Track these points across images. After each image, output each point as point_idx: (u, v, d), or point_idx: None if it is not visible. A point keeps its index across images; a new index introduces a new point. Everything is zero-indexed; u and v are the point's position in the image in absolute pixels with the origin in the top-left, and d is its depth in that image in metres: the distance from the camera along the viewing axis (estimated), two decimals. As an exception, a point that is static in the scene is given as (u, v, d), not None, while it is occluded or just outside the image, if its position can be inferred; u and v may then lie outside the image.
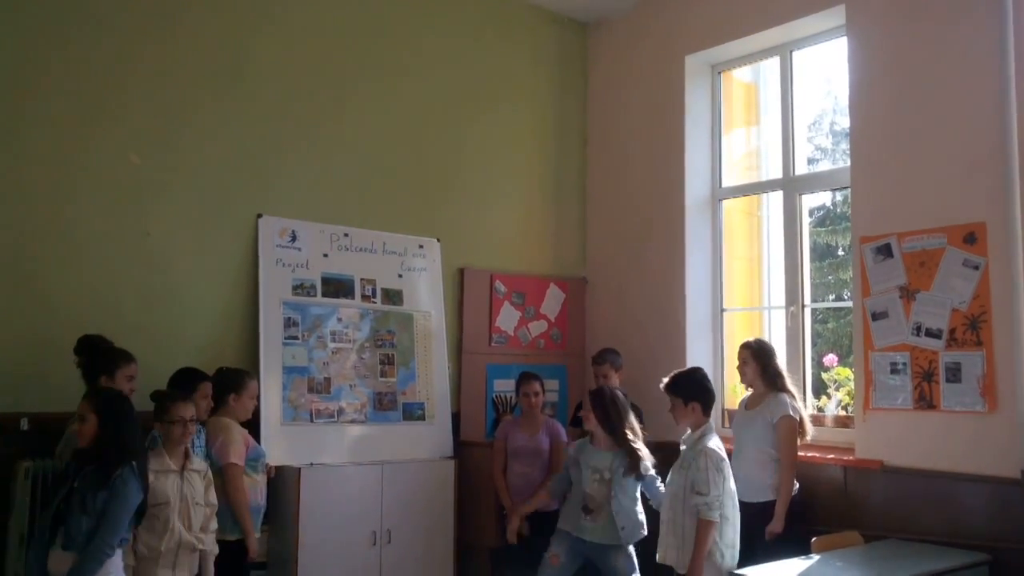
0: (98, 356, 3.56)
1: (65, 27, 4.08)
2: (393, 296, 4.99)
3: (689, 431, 3.75)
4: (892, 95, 4.33)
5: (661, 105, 5.52)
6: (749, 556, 3.67)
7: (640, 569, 4.11)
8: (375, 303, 4.91)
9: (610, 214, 5.84)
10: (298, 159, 4.76)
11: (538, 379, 4.73)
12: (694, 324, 5.28)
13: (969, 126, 4.03)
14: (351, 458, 4.56)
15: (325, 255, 4.79)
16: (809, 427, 4.26)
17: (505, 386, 5.43)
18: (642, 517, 4.09)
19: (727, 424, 5.04)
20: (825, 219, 6.23)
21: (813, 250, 5.33)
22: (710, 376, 4.00)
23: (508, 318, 5.54)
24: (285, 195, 4.70)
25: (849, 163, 4.54)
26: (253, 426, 4.22)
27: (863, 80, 4.47)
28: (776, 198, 5.21)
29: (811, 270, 5.11)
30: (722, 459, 3.58)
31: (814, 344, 5.02)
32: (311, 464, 4.35)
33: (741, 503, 3.69)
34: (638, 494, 4.10)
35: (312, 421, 4.51)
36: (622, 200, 5.75)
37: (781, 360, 4.45)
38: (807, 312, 4.93)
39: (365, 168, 5.02)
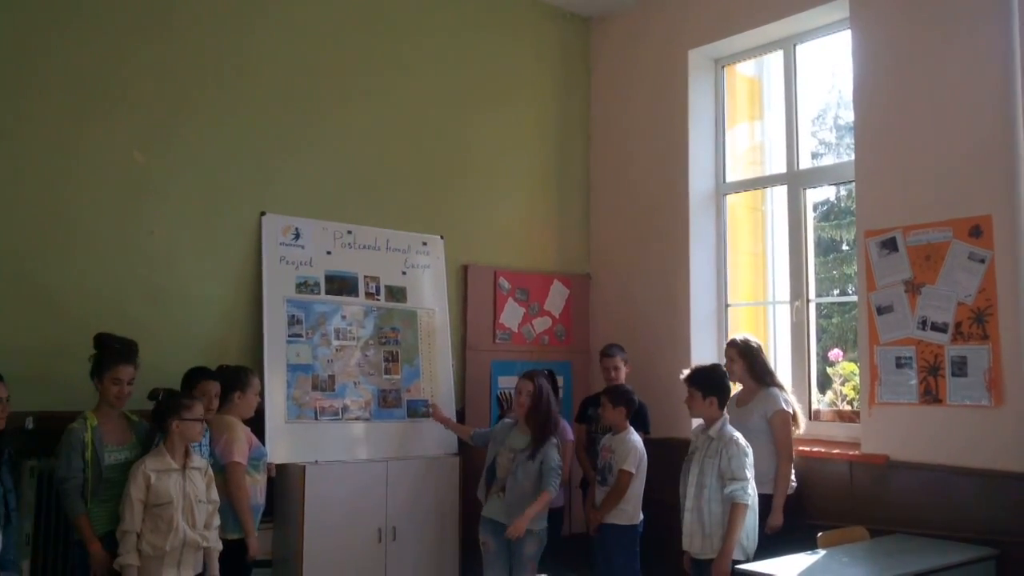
0: (96, 356, 3.57)
1: (65, 24, 4.07)
2: (397, 293, 4.99)
3: (702, 424, 3.85)
4: (896, 88, 4.31)
5: (664, 100, 5.51)
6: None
7: (656, 558, 4.14)
8: (379, 300, 4.91)
9: (614, 210, 5.83)
10: (301, 157, 4.75)
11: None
12: (698, 319, 5.27)
13: (974, 118, 4.01)
14: (355, 455, 4.57)
15: (329, 252, 4.79)
16: (802, 420, 4.32)
17: (509, 383, 5.40)
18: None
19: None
20: (829, 213, 6.20)
21: (817, 244, 5.31)
22: (715, 372, 4.01)
23: (512, 315, 5.54)
24: (288, 193, 4.70)
25: (853, 157, 4.52)
26: (257, 424, 4.22)
27: (867, 73, 4.45)
28: (780, 192, 5.20)
29: (815, 264, 5.10)
30: (748, 445, 3.72)
31: (819, 339, 5.01)
32: (316, 462, 4.36)
33: None
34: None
35: (316, 419, 4.51)
36: (626, 195, 5.74)
37: (771, 355, 4.47)
38: (812, 307, 4.92)
39: (368, 165, 5.02)
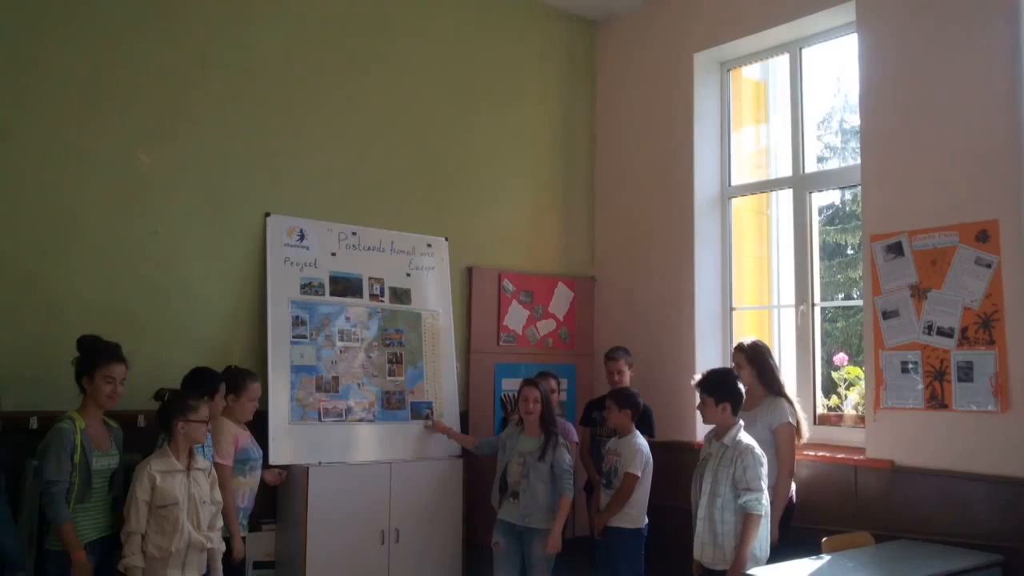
0: (82, 357, 3.49)
1: (69, 25, 4.07)
2: (401, 295, 4.99)
3: (713, 430, 3.80)
4: (903, 92, 4.30)
5: (669, 103, 5.50)
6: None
7: (661, 562, 4.14)
8: (383, 302, 4.91)
9: (619, 212, 5.82)
10: (306, 158, 4.75)
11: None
12: (703, 323, 5.26)
13: (981, 123, 4.00)
14: (359, 457, 4.56)
15: (333, 254, 4.78)
16: (805, 430, 4.27)
17: (513, 385, 5.40)
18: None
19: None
20: (835, 217, 6.21)
21: (823, 248, 5.31)
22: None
23: (516, 317, 5.53)
24: (293, 194, 4.70)
25: (859, 161, 4.51)
26: (260, 425, 4.22)
27: (873, 77, 4.44)
28: (785, 196, 5.19)
29: (821, 269, 5.08)
30: (764, 455, 3.67)
31: (824, 343, 5.00)
32: (319, 463, 4.35)
33: None
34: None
35: (320, 420, 4.51)
36: (631, 198, 5.74)
37: (778, 358, 4.43)
38: (817, 311, 4.91)
39: (373, 167, 5.01)
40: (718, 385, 3.78)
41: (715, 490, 3.64)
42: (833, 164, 5.46)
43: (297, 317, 4.57)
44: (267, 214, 4.60)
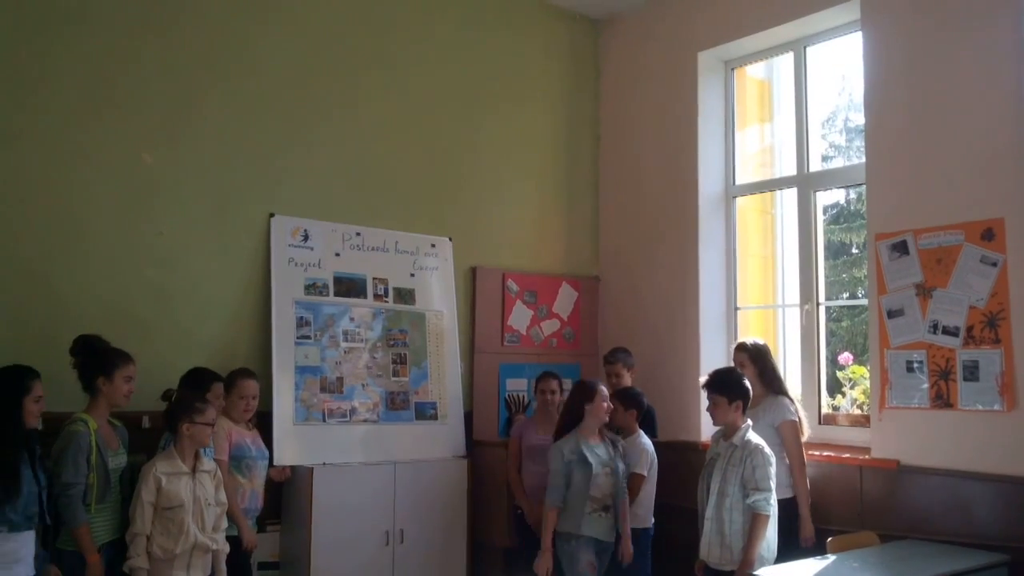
0: (95, 357, 3.51)
1: (73, 26, 4.08)
2: (405, 295, 4.99)
3: (720, 430, 3.79)
4: (907, 90, 4.28)
5: (674, 102, 5.49)
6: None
7: (666, 561, 4.14)
8: (387, 302, 4.91)
9: (623, 212, 5.82)
10: (310, 158, 4.76)
11: (556, 378, 4.70)
12: (708, 322, 5.25)
13: (986, 121, 3.98)
14: (364, 458, 4.56)
15: (337, 254, 4.79)
16: (807, 428, 4.27)
17: (517, 385, 5.42)
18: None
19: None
20: (840, 216, 6.18)
21: (827, 247, 5.29)
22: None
23: (520, 317, 5.53)
24: (297, 194, 4.70)
25: (864, 160, 4.49)
26: (265, 426, 4.22)
27: (878, 76, 4.42)
28: (790, 195, 5.18)
29: (826, 268, 5.07)
30: (772, 455, 3.66)
31: (828, 342, 4.99)
32: (324, 464, 4.35)
33: None
34: None
35: (325, 421, 4.51)
36: (635, 198, 5.73)
37: (781, 358, 4.44)
38: (822, 310, 4.89)
39: (377, 167, 5.02)
40: (731, 384, 3.77)
41: (723, 490, 3.63)
42: (838, 163, 5.45)
43: (301, 318, 4.57)
44: (271, 215, 4.61)
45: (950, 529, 3.90)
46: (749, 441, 3.66)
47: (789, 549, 3.81)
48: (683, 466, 4.71)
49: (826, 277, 5.08)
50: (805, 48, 5.08)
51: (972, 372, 3.96)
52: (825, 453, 4.41)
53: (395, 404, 4.79)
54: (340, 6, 4.94)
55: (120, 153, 4.18)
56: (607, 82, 6.02)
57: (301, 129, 4.73)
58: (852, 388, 4.71)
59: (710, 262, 5.31)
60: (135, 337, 3.84)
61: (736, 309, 5.34)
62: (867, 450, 4.32)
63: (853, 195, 5.77)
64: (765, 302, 5.43)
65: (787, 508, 4.01)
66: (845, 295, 5.67)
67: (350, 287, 4.80)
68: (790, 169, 5.17)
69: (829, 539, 3.80)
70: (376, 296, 4.88)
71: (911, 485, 4.09)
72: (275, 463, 4.24)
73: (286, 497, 4.41)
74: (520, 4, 5.72)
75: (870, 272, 4.39)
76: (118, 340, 3.64)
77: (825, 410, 4.80)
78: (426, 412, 4.89)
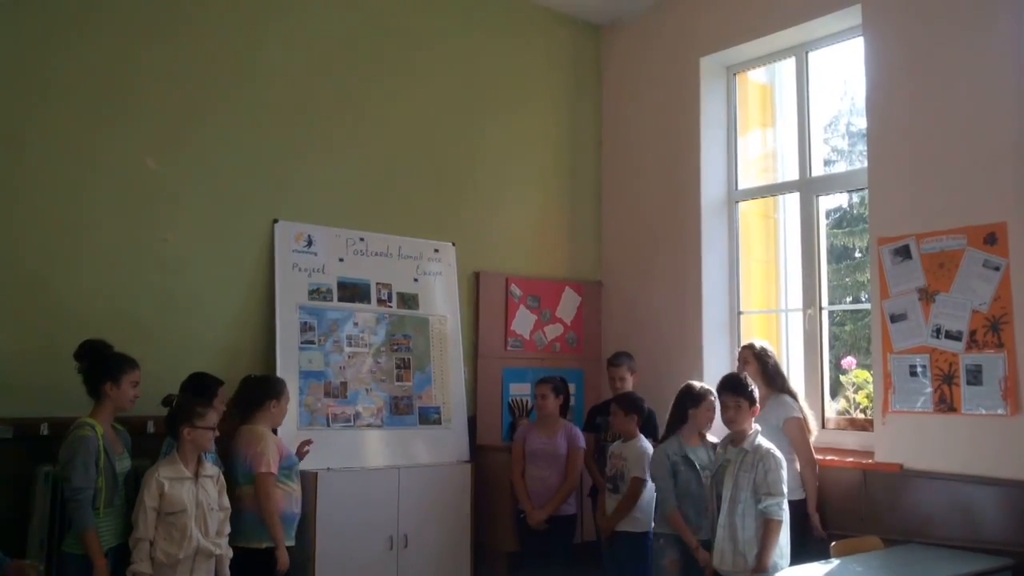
0: (102, 362, 3.51)
1: (78, 32, 4.11)
2: (409, 300, 5.00)
3: (728, 435, 3.77)
4: (909, 95, 4.29)
5: (676, 107, 5.50)
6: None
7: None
8: (391, 307, 4.92)
9: (625, 217, 5.83)
10: (314, 164, 4.78)
11: (549, 383, 4.66)
12: (710, 327, 5.25)
13: (988, 125, 3.99)
14: (368, 462, 4.56)
15: (341, 260, 4.80)
16: (814, 426, 4.29)
17: (521, 390, 5.43)
18: None
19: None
20: (842, 220, 6.18)
21: (830, 252, 5.29)
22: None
23: (524, 322, 5.54)
24: (301, 200, 4.72)
25: (866, 164, 4.50)
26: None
27: (880, 80, 4.43)
28: (793, 200, 5.18)
29: (828, 272, 5.07)
30: (783, 458, 3.65)
31: (832, 347, 4.99)
32: (328, 469, 4.36)
33: None
34: None
35: (329, 426, 4.52)
36: (637, 203, 5.74)
37: (784, 362, 4.46)
38: (824, 314, 4.90)
39: (380, 173, 5.03)
40: (749, 389, 3.77)
41: (735, 496, 3.59)
42: (840, 167, 5.45)
43: (305, 323, 4.59)
44: (275, 220, 4.62)
45: (954, 533, 3.90)
46: (760, 446, 3.64)
47: (803, 550, 3.80)
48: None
49: (829, 281, 5.08)
50: (807, 53, 5.09)
51: (975, 376, 3.96)
52: (829, 457, 4.41)
53: (399, 409, 4.80)
54: (345, 14, 4.96)
55: (125, 159, 4.20)
56: (609, 87, 6.04)
57: (305, 135, 4.75)
58: (855, 392, 4.71)
59: (713, 267, 5.32)
60: (140, 342, 3.85)
61: (739, 313, 5.35)
62: (870, 454, 4.32)
63: (856, 199, 5.77)
64: (768, 306, 5.44)
65: (799, 509, 4.02)
66: (848, 299, 5.67)
67: (354, 292, 4.81)
68: (792, 174, 5.18)
69: (833, 543, 3.79)
70: (380, 301, 4.89)
71: (914, 489, 4.09)
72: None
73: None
74: (523, 10, 5.74)
75: (873, 276, 4.39)
76: (123, 345, 3.65)
77: (828, 414, 4.80)
78: (430, 417, 4.89)
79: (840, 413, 4.80)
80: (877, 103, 4.44)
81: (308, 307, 4.63)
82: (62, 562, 3.38)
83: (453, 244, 5.25)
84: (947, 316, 4.08)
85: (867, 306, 4.60)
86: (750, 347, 4.42)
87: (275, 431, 4.00)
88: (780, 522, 3.52)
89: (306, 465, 4.33)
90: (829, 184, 5.04)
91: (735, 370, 5.17)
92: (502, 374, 5.40)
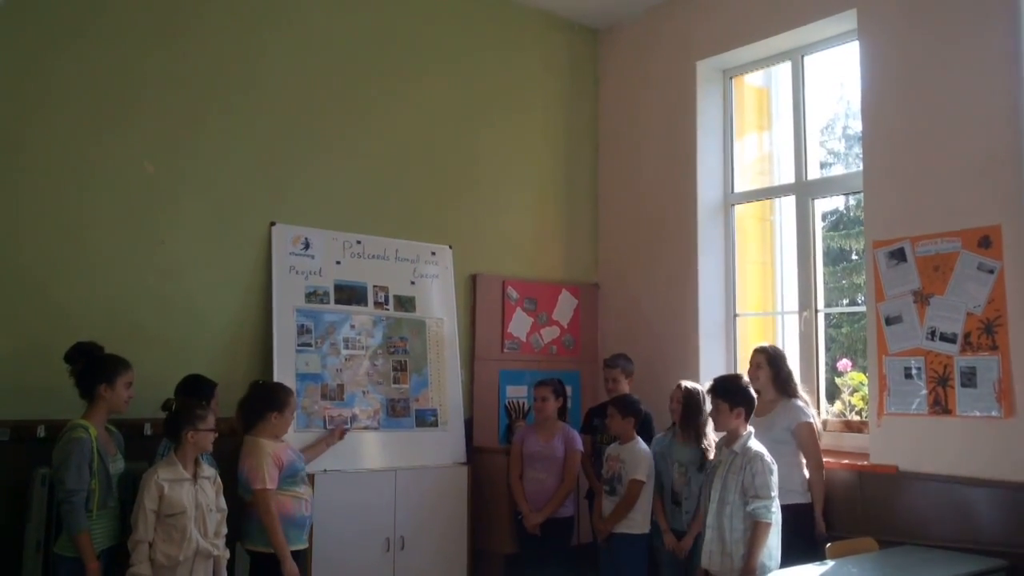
0: (96, 363, 3.51)
1: (77, 37, 4.12)
2: (406, 303, 5.01)
3: (723, 437, 3.77)
4: (905, 99, 4.31)
5: (673, 110, 5.52)
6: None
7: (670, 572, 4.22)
8: (388, 310, 4.93)
9: (622, 220, 5.84)
10: (311, 167, 4.79)
11: (548, 385, 4.70)
12: (707, 329, 5.27)
13: (983, 129, 4.01)
14: (364, 465, 4.57)
15: (338, 262, 4.81)
16: (821, 431, 4.31)
17: (517, 392, 5.44)
18: None
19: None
20: (838, 223, 6.20)
21: (826, 254, 5.31)
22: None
23: (520, 324, 5.55)
24: (298, 203, 4.73)
25: (862, 167, 4.52)
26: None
27: (875, 84, 4.45)
28: (789, 203, 5.20)
29: (824, 274, 5.09)
30: (774, 462, 3.64)
31: (827, 349, 5.00)
32: (324, 471, 4.37)
33: None
34: None
35: (325, 428, 4.52)
36: (634, 205, 5.75)
37: (792, 365, 4.45)
38: (820, 317, 4.91)
39: (378, 176, 5.05)
40: (732, 390, 3.75)
41: (724, 497, 3.61)
42: (836, 170, 5.47)
43: (302, 325, 4.60)
44: (272, 223, 4.63)
45: (949, 535, 3.91)
46: (750, 448, 3.65)
47: (812, 553, 3.79)
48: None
49: (825, 284, 5.10)
50: (803, 57, 5.11)
51: (970, 378, 3.98)
52: (824, 459, 4.41)
53: (396, 411, 4.80)
54: (340, 17, 4.98)
55: (122, 162, 4.20)
56: (606, 91, 6.05)
57: (302, 138, 4.76)
58: (851, 394, 4.72)
59: (709, 269, 5.33)
60: (137, 345, 3.86)
61: (735, 316, 5.37)
62: (865, 455, 4.33)
63: (852, 201, 5.79)
64: (764, 309, 5.45)
65: (803, 513, 4.02)
66: (845, 301, 5.68)
67: (351, 295, 4.82)
68: (788, 177, 5.20)
69: (828, 545, 3.80)
70: (377, 304, 4.90)
71: (910, 491, 4.10)
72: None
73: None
74: (520, 14, 5.76)
75: (868, 279, 4.41)
76: (120, 348, 3.65)
77: (824, 416, 4.81)
78: (426, 419, 4.90)
79: (836, 415, 4.81)
80: (872, 107, 4.46)
81: (305, 310, 4.64)
82: (54, 564, 3.38)
83: (450, 247, 5.26)
84: (942, 319, 4.09)
85: (863, 308, 4.61)
86: (763, 351, 4.38)
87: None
88: (768, 524, 3.53)
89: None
90: (825, 187, 5.06)
91: (733, 372, 5.22)
92: (499, 376, 5.41)
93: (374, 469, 4.56)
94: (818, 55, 5.09)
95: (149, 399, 3.73)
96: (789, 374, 4.32)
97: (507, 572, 4.80)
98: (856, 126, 4.88)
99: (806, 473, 4.18)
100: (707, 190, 5.39)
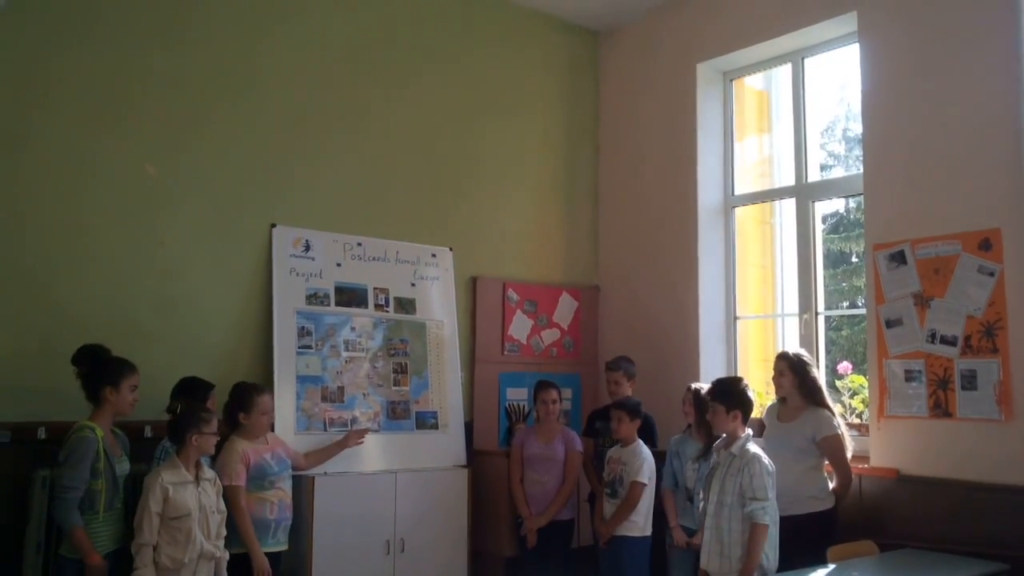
0: (102, 366, 3.52)
1: (77, 38, 4.12)
2: (406, 305, 5.01)
3: (723, 439, 3.76)
4: (905, 101, 4.32)
5: (673, 113, 5.52)
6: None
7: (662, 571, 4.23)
8: (388, 312, 4.93)
9: (622, 222, 5.84)
10: (311, 169, 4.79)
11: (555, 387, 4.74)
12: (707, 332, 5.27)
13: (983, 131, 4.01)
14: (365, 467, 4.56)
15: (338, 264, 4.81)
16: (849, 442, 4.14)
17: (518, 395, 5.44)
18: None
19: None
20: (838, 226, 6.20)
21: (826, 257, 5.31)
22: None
23: (521, 327, 5.55)
24: (299, 205, 4.73)
25: (862, 170, 4.52)
26: (267, 435, 4.23)
27: (876, 86, 4.46)
28: (789, 205, 5.20)
29: (824, 277, 5.09)
30: (772, 464, 3.63)
31: (828, 351, 5.00)
32: (325, 473, 4.36)
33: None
34: None
35: (326, 430, 4.52)
36: (634, 208, 5.76)
37: (819, 371, 4.32)
38: (820, 319, 4.91)
39: (378, 178, 5.05)
40: (729, 393, 3.75)
41: (722, 499, 3.61)
42: (836, 173, 5.46)
43: (303, 327, 4.60)
44: (273, 225, 4.63)
45: (949, 538, 3.90)
46: (747, 450, 3.65)
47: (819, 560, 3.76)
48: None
49: (825, 286, 5.09)
50: (803, 59, 5.11)
51: (970, 381, 3.98)
52: (824, 461, 4.41)
53: (396, 413, 4.80)
54: (341, 19, 4.98)
55: (123, 164, 4.21)
56: (606, 93, 6.06)
57: (302, 140, 4.77)
58: (851, 397, 4.72)
59: (709, 272, 5.33)
60: (137, 347, 3.86)
61: (735, 319, 5.37)
62: (866, 458, 4.33)
63: (853, 204, 5.78)
64: (764, 312, 5.45)
65: (821, 521, 3.95)
66: (845, 304, 5.68)
67: (351, 297, 4.82)
68: (789, 179, 5.20)
69: (829, 548, 3.80)
70: (377, 306, 4.90)
71: (910, 494, 4.10)
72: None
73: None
74: (520, 16, 5.76)
75: (868, 282, 4.41)
76: (120, 350, 3.66)
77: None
78: (427, 421, 4.90)
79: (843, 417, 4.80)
80: (872, 109, 4.46)
81: (305, 312, 4.64)
82: (60, 567, 3.39)
83: (450, 249, 5.27)
84: (942, 321, 4.09)
85: (863, 311, 4.61)
86: (785, 358, 4.21)
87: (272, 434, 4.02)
88: (765, 526, 3.51)
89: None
90: (825, 190, 5.06)
91: (733, 375, 5.22)
92: (499, 379, 5.41)
93: (374, 471, 4.55)
94: (818, 57, 5.10)
95: (149, 401, 3.73)
96: (815, 381, 4.16)
97: (507, 575, 4.80)
98: (856, 128, 4.88)
99: (831, 483, 4.07)
100: (707, 192, 5.39)
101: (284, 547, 3.96)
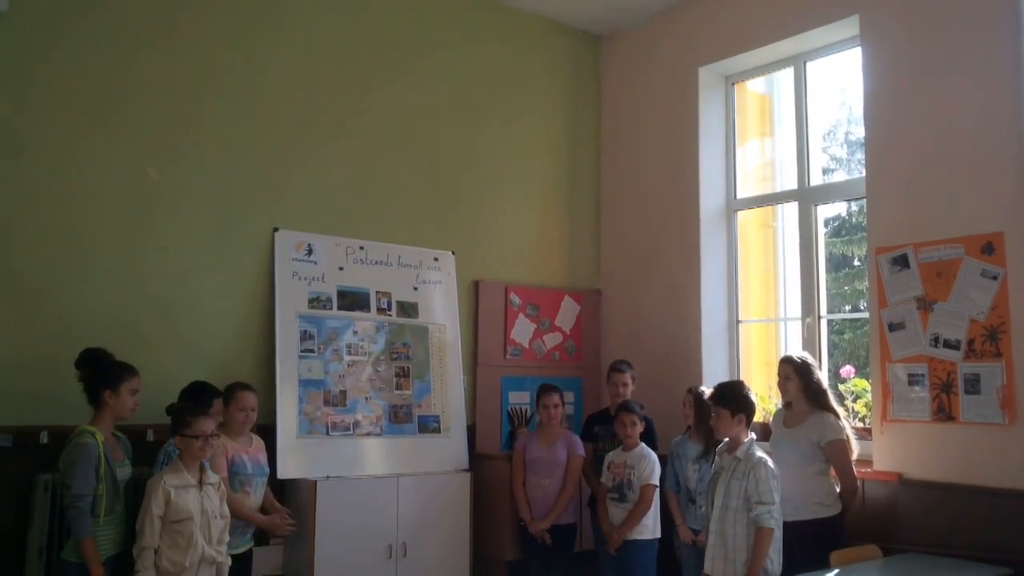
0: (102, 370, 3.52)
1: (77, 40, 4.13)
2: (408, 309, 5.01)
3: (726, 443, 3.75)
4: (907, 104, 4.31)
5: (675, 117, 5.52)
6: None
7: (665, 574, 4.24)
8: (390, 316, 4.93)
9: (624, 226, 5.84)
10: (314, 173, 4.79)
11: (557, 391, 4.72)
12: (710, 336, 5.26)
13: (985, 135, 4.01)
14: (367, 471, 4.57)
15: (341, 268, 4.81)
16: (855, 446, 4.12)
17: (520, 398, 5.43)
18: None
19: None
20: (841, 229, 6.20)
21: (829, 261, 5.30)
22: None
23: (523, 330, 5.54)
24: (301, 209, 4.73)
25: (864, 173, 4.52)
26: (268, 439, 4.22)
27: (877, 90, 4.45)
28: (791, 209, 5.20)
29: (827, 281, 5.08)
30: (776, 468, 3.63)
31: (830, 355, 5.00)
32: (327, 477, 4.36)
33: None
34: None
35: (328, 434, 4.52)
36: (636, 212, 5.75)
37: (823, 374, 4.30)
38: (823, 323, 4.91)
39: (381, 181, 5.05)
40: (733, 397, 3.73)
41: (727, 503, 3.61)
42: (839, 176, 5.48)
43: (305, 331, 4.60)
44: (275, 229, 4.64)
45: (953, 542, 3.90)
46: (752, 454, 3.64)
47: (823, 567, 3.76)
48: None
49: (828, 290, 5.09)
50: (805, 63, 5.11)
51: (973, 385, 3.97)
52: (831, 467, 4.40)
53: (398, 417, 4.80)
54: (344, 22, 4.99)
55: (125, 168, 4.21)
56: (608, 97, 6.06)
57: (305, 144, 4.77)
58: (854, 401, 4.71)
59: (711, 276, 5.33)
60: (139, 351, 3.85)
61: (738, 322, 5.36)
62: (869, 463, 4.32)
63: (855, 208, 5.79)
64: (767, 315, 5.45)
65: (826, 527, 3.93)
66: (847, 308, 5.68)
67: (353, 301, 4.82)
68: (791, 183, 5.20)
69: (832, 552, 3.79)
70: (379, 310, 4.90)
71: (913, 498, 4.09)
72: (279, 476, 4.26)
73: (289, 511, 4.40)
74: (522, 20, 5.77)
75: (871, 286, 4.41)
76: (122, 354, 3.65)
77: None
78: (429, 425, 4.90)
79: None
80: (875, 113, 4.46)
81: (308, 315, 4.64)
82: (61, 571, 3.38)
83: (453, 253, 5.27)
84: (945, 325, 4.09)
85: (866, 315, 4.61)
86: (789, 361, 4.18)
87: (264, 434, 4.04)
88: (771, 530, 3.51)
89: (305, 474, 4.35)
90: (827, 193, 5.06)
91: (736, 379, 5.21)
92: (501, 383, 5.40)
93: (376, 475, 4.55)
94: (820, 61, 5.09)
95: (151, 405, 3.72)
96: (819, 384, 4.14)
97: (509, 579, 4.79)
98: (858, 132, 4.89)
99: (837, 487, 4.04)
100: (709, 196, 5.39)
101: (250, 545, 3.95)
